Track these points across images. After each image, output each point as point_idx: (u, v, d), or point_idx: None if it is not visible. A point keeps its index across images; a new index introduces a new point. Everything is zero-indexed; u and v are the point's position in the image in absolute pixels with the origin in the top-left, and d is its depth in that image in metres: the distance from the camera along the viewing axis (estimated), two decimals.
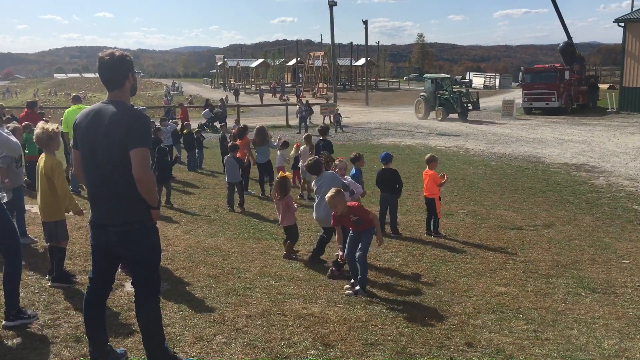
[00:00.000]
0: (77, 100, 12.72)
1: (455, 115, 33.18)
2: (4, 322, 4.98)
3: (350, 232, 6.58)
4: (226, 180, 11.26)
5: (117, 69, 3.98)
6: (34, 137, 6.21)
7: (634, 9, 35.24)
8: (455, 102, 32.94)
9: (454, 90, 35.14)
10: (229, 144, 11.86)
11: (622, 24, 33.77)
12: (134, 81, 4.09)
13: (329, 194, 6.38)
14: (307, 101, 31.84)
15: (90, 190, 4.06)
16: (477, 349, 4.89)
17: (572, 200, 12.33)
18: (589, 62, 53.51)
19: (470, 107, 33.54)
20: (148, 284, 4.10)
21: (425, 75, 40.45)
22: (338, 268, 6.96)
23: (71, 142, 4.36)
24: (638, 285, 6.84)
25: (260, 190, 12.69)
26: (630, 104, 33.52)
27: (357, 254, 6.40)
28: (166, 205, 10.87)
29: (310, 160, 7.74)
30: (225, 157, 11.36)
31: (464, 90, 35.79)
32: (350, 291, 6.32)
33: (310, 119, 29.71)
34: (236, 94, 57.63)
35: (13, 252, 4.97)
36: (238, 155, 11.93)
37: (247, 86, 72.15)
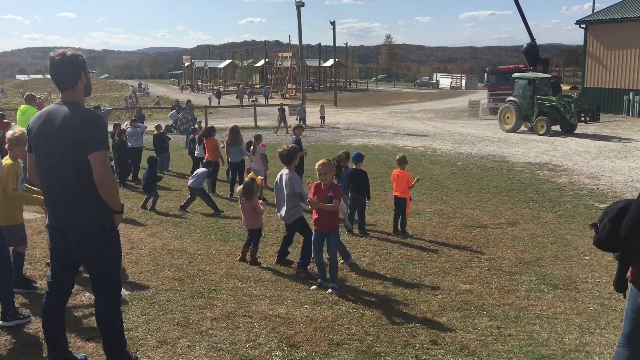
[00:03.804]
0: (29, 99, 12.15)
1: (557, 127, 25.51)
2: (0, 323, 4.98)
3: (315, 232, 6.61)
4: (188, 184, 11.15)
5: (68, 68, 3.88)
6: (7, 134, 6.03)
7: (595, 11, 36.06)
8: (567, 111, 24.85)
9: (563, 95, 26.78)
10: (204, 161, 11.81)
11: (584, 26, 34.58)
12: (87, 81, 3.99)
13: (320, 162, 6.58)
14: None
15: (47, 194, 3.96)
16: (441, 346, 4.93)
17: (536, 198, 12.56)
18: (552, 62, 54.54)
19: (588, 118, 25.58)
20: (108, 288, 4.02)
21: (515, 75, 28.94)
22: (304, 270, 6.98)
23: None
24: (598, 281, 7.00)
25: (229, 191, 12.61)
26: (591, 104, 34.29)
27: (328, 257, 6.53)
28: (151, 211, 10.76)
29: (285, 148, 7.33)
30: (200, 169, 11.36)
31: (574, 95, 26.56)
32: (315, 286, 6.45)
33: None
34: (218, 96, 54.37)
35: (1, 253, 5.02)
36: (206, 155, 12.00)
37: (215, 87, 71.53)
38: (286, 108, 29.54)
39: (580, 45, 39.37)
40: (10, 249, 5.59)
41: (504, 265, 7.60)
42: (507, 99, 27.89)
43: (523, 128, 26.87)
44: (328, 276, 6.49)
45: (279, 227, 9.33)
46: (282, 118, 28.09)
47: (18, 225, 5.96)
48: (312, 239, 6.67)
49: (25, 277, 6.11)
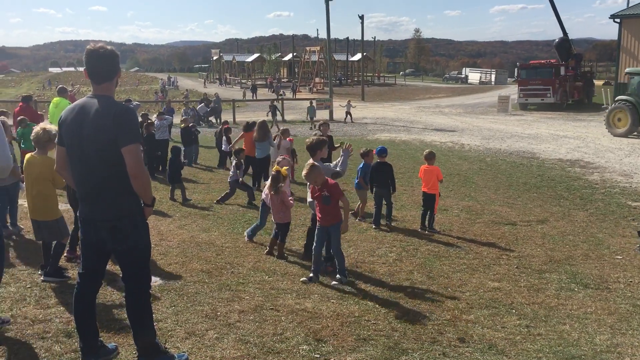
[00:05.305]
0: (62, 92, 12.47)
1: None
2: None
3: (318, 225, 6.67)
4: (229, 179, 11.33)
5: (111, 62, 3.97)
6: (32, 134, 6.11)
7: (630, 5, 35.13)
8: None
9: None
10: (235, 149, 12.01)
11: (618, 20, 33.79)
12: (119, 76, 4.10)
13: (304, 172, 6.53)
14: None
15: (79, 186, 4.02)
16: (469, 344, 4.89)
17: (567, 196, 12.35)
18: (585, 57, 53.53)
19: None
20: (138, 279, 4.08)
21: (629, 70, 24.75)
22: (332, 263, 6.97)
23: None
24: (631, 281, 6.86)
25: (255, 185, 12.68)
26: None
27: (332, 249, 6.63)
28: (183, 204, 10.91)
29: (313, 138, 7.38)
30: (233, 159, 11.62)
31: None
32: (335, 282, 6.42)
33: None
34: (254, 90, 52.54)
35: None
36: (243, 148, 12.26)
37: (242, 81, 71.78)
38: (277, 104, 29.51)
39: (613, 40, 38.53)
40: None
41: (534, 264, 7.50)
42: (617, 98, 23.90)
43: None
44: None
45: (306, 221, 9.33)
46: (273, 114, 27.77)
47: (62, 218, 6.11)
48: (316, 232, 6.71)
49: (58, 266, 6.22)
